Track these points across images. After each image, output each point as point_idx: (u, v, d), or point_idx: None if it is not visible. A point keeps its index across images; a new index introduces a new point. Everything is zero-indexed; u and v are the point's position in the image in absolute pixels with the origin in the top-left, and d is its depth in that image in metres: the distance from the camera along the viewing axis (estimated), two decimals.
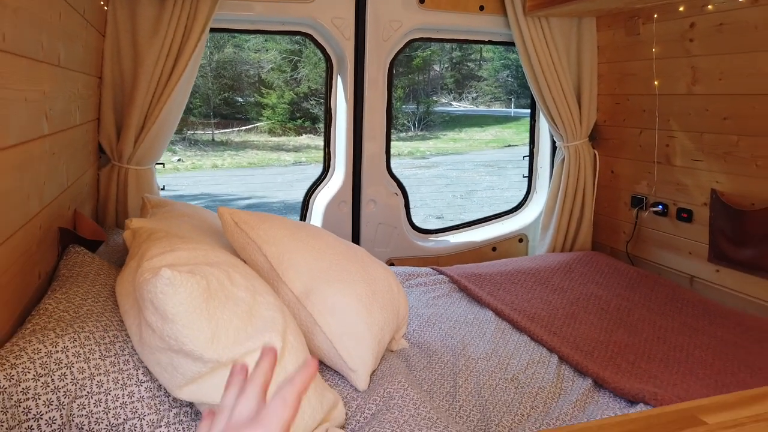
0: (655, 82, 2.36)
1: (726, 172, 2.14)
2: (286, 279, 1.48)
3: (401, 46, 2.65)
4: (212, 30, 2.25)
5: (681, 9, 2.19)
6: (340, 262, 1.60)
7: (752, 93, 2.00)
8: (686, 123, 2.28)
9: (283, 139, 13.68)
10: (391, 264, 2.77)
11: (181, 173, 11.06)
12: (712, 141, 2.18)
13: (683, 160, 2.32)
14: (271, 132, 13.96)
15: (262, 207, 8.72)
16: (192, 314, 0.94)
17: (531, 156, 3.05)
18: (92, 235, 1.56)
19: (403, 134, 15.21)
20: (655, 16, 2.31)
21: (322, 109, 2.60)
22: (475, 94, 17.13)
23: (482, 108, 16.81)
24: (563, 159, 2.74)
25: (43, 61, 1.17)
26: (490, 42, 2.81)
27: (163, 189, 2.34)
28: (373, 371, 1.51)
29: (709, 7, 2.09)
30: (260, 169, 12.11)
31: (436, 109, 16.43)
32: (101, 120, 2.07)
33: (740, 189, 2.09)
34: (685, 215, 2.33)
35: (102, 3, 1.95)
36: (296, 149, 13.19)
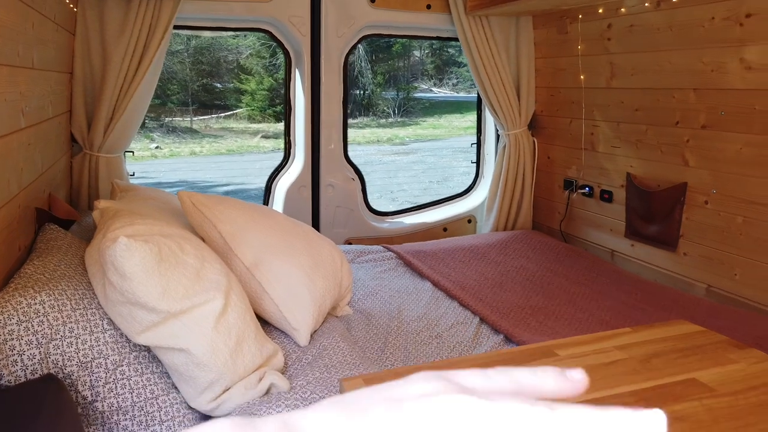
0: (581, 77, 2.61)
1: (638, 157, 2.41)
2: (238, 252, 1.71)
3: (355, 41, 2.87)
4: (176, 27, 2.44)
5: (600, 11, 2.43)
6: (288, 238, 1.84)
7: (657, 87, 2.26)
8: (606, 113, 2.54)
9: (262, 126, 13.78)
10: (349, 243, 3.00)
11: (159, 160, 11.14)
12: (627, 130, 2.44)
13: (605, 147, 2.58)
14: (250, 118, 14.04)
15: (240, 193, 8.88)
16: (146, 274, 1.17)
17: (478, 143, 3.30)
18: (65, 215, 1.78)
19: (383, 120, 15.38)
20: (580, 16, 2.56)
21: None
22: (455, 80, 17.31)
23: (462, 94, 16.98)
24: (505, 146, 2.99)
25: (19, 66, 1.38)
26: (437, 38, 3.03)
27: (132, 175, 2.55)
28: (315, 331, 1.76)
29: (622, 9, 2.34)
30: (239, 156, 12.22)
31: (416, 95, 16.57)
32: (73, 112, 2.26)
33: (649, 172, 2.36)
34: (607, 196, 2.60)
35: (71, 5, 2.13)
36: (275, 136, 13.31)
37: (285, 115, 2.91)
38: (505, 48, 2.87)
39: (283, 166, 2.94)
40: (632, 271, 2.46)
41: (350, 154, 3.00)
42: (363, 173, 3.08)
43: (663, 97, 2.24)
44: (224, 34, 13.35)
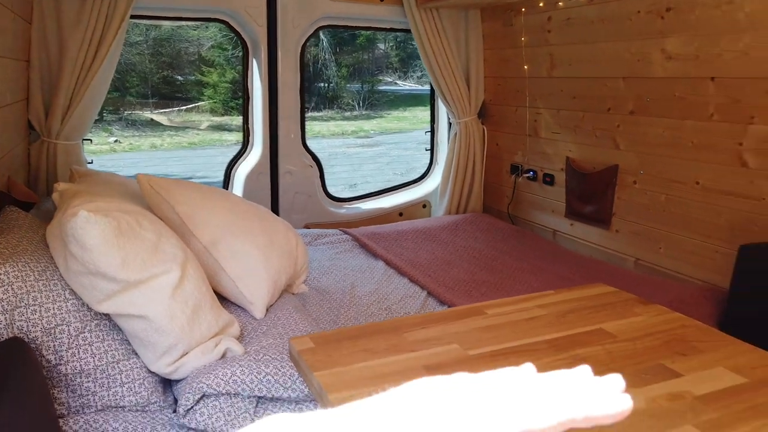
0: (525, 67, 2.77)
1: (575, 142, 2.58)
2: (196, 232, 1.80)
3: (311, 32, 2.96)
4: (133, 17, 2.49)
5: (541, 4, 2.59)
6: (244, 218, 1.94)
7: (591, 76, 2.43)
8: (548, 101, 2.71)
9: (225, 119, 13.65)
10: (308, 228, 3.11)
11: (119, 154, 10.97)
12: (566, 117, 2.61)
13: (546, 133, 2.75)
14: (212, 111, 13.90)
15: None
16: (105, 245, 1.26)
17: (432, 132, 3.44)
18: (25, 198, 1.84)
19: (347, 113, 15.41)
20: (523, 9, 2.71)
21: None
22: (420, 73, 17.44)
23: (427, 87, 17.06)
24: (456, 134, 3.13)
25: None
26: (391, 29, 3.15)
27: (90, 163, 2.59)
28: (270, 305, 1.87)
29: (560, 3, 2.50)
30: (201, 150, 12.11)
31: (381, 88, 16.64)
32: (30, 100, 2.30)
33: (585, 156, 2.54)
34: (549, 179, 2.77)
35: None
36: (239, 129, 13.18)
37: (243, 104, 2.99)
38: (455, 40, 3.01)
39: (242, 154, 3.02)
40: (571, 248, 2.64)
41: (315, 147, 3.11)
42: (325, 164, 3.18)
43: (597, 86, 2.41)
44: (184, 25, 13.16)
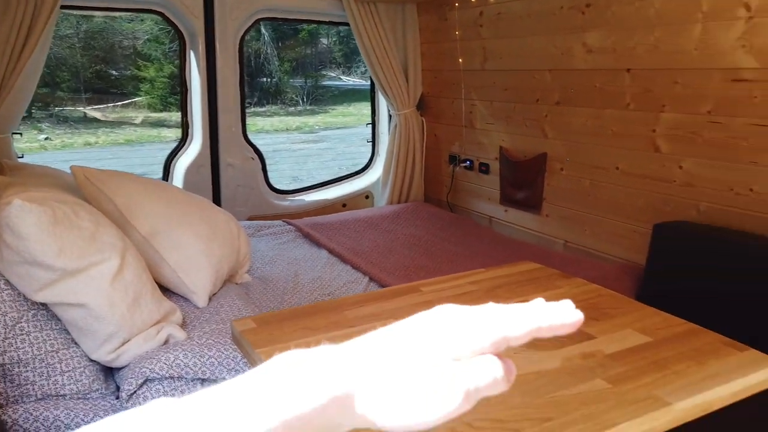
0: (460, 60, 2.88)
1: (508, 132, 2.71)
2: (135, 223, 1.80)
3: (250, 24, 2.96)
4: (64, 7, 2.43)
5: (473, 0, 2.70)
6: (184, 209, 1.94)
7: (521, 69, 2.56)
8: (482, 93, 2.83)
9: (164, 115, 13.25)
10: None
11: (50, 152, 10.48)
12: (499, 108, 2.74)
13: (481, 124, 2.87)
14: (150, 107, 13.46)
15: None
16: (41, 234, 1.26)
17: (373, 124, 3.51)
18: None
19: (291, 109, 15.26)
20: (456, 4, 2.82)
21: None
22: (363, 68, 17.45)
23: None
24: (396, 126, 3.21)
25: None
26: (330, 23, 3.20)
27: (21, 157, 2.51)
28: (213, 294, 1.89)
29: None
30: (139, 146, 11.73)
31: (324, 83, 16.56)
32: None
33: (517, 145, 2.67)
34: (484, 168, 2.89)
35: None
36: (178, 125, 12.85)
37: (181, 96, 2.96)
38: (393, 33, 3.08)
39: (181, 147, 2.99)
40: (506, 233, 2.77)
41: (259, 143, 3.12)
42: (269, 160, 3.20)
43: (526, 78, 2.54)
44: (118, 17, 12.68)
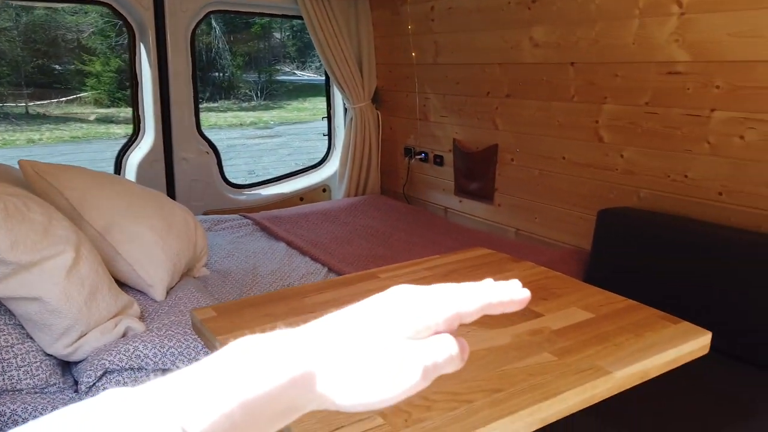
0: (413, 54, 2.93)
1: (461, 124, 2.78)
2: (88, 218, 1.77)
3: (201, 16, 2.93)
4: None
5: None
6: (138, 202, 1.92)
7: (472, 63, 2.63)
8: (435, 87, 2.89)
9: (112, 111, 12.83)
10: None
11: None
12: (452, 101, 2.81)
13: (435, 117, 2.94)
14: (97, 103, 13.01)
15: None
16: None
17: (329, 117, 3.53)
18: None
19: (245, 104, 15.01)
20: None
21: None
22: (318, 63, 17.30)
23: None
24: (352, 119, 3.25)
25: None
26: (283, 16, 3.19)
27: None
28: (171, 287, 1.88)
29: None
30: (86, 144, 11.33)
31: (279, 78, 16.37)
32: None
33: (469, 137, 2.75)
34: (439, 160, 2.96)
35: None
36: (127, 121, 12.46)
37: (131, 89, 2.91)
38: (347, 27, 3.11)
39: (133, 141, 2.94)
40: (460, 223, 2.85)
41: (212, 138, 3.09)
42: (224, 156, 3.17)
43: (477, 71, 2.62)
44: (61, 9, 12.19)
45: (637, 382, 1.12)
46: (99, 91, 12.88)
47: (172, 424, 0.30)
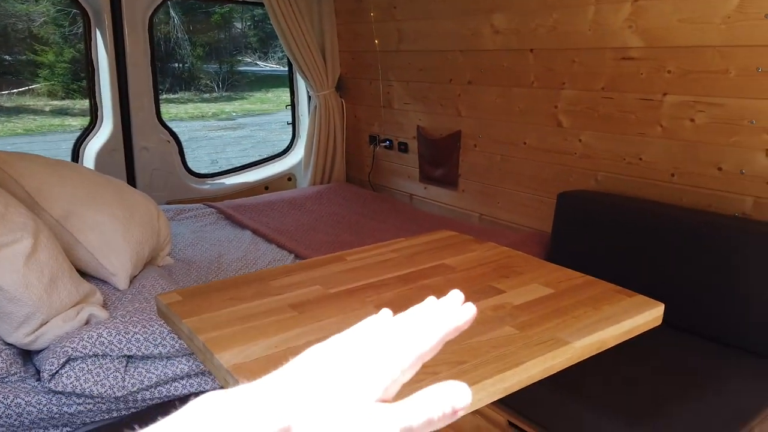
0: (376, 41, 2.94)
1: (424, 111, 2.81)
2: (45, 206, 1.73)
3: (159, 1, 2.87)
4: None
5: None
6: (98, 190, 1.89)
7: (434, 50, 2.66)
8: (398, 74, 2.91)
9: (66, 103, 12.41)
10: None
11: None
12: (415, 88, 2.83)
13: (399, 104, 2.96)
14: (51, 95, 12.57)
15: None
16: None
17: (293, 105, 3.51)
18: None
19: (206, 95, 14.72)
20: None
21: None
22: (281, 54, 17.09)
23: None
24: (316, 107, 3.24)
25: None
26: (244, 2, 3.15)
27: None
28: (134, 276, 1.85)
29: None
30: (41, 136, 10.95)
31: (240, 69, 16.09)
32: None
33: (433, 124, 2.78)
34: (403, 147, 2.99)
35: None
36: (83, 113, 12.10)
37: (87, 77, 2.83)
38: (309, 14, 3.09)
39: (91, 130, 2.87)
40: (425, 209, 2.88)
41: (174, 129, 3.04)
42: (186, 147, 3.12)
43: (439, 59, 2.64)
44: None
45: (595, 352, 1.17)
46: (53, 82, 12.44)
47: None
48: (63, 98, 12.40)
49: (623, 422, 1.33)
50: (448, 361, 1.05)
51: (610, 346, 1.20)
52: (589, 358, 1.25)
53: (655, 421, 1.34)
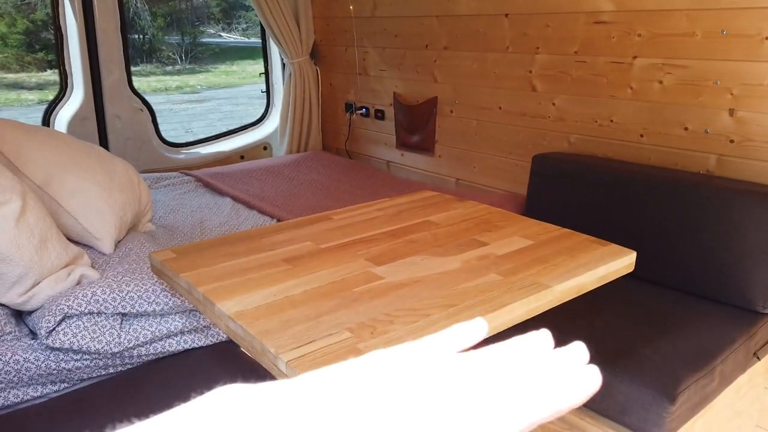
0: (351, 7, 2.94)
1: (400, 78, 2.84)
2: (26, 171, 1.72)
3: None
4: None
5: None
6: (78, 155, 1.87)
7: (410, 15, 2.68)
8: (374, 41, 2.92)
9: (22, 76, 11.93)
10: None
11: None
12: (391, 54, 2.85)
13: (375, 71, 2.97)
14: (4, 68, 12.05)
15: None
16: None
17: (267, 73, 3.48)
18: None
19: (169, 68, 14.32)
20: None
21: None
22: (245, 25, 16.68)
23: (254, 39, 16.49)
24: (291, 74, 3.22)
25: None
26: None
27: None
28: (119, 240, 1.86)
29: None
30: None
31: (203, 40, 15.66)
32: None
33: (409, 90, 2.81)
34: (380, 114, 3.01)
35: None
36: (40, 86, 11.65)
37: (56, 43, 2.76)
38: None
39: (61, 98, 2.81)
40: (403, 175, 2.93)
41: None
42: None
43: (415, 24, 2.67)
44: None
45: (574, 296, 1.25)
46: (5, 54, 11.92)
47: None
48: (18, 71, 11.92)
49: (597, 365, 1.42)
50: (439, 305, 1.11)
51: (587, 291, 1.29)
52: (566, 312, 1.34)
53: (627, 363, 1.44)
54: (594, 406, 1.40)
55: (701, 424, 1.49)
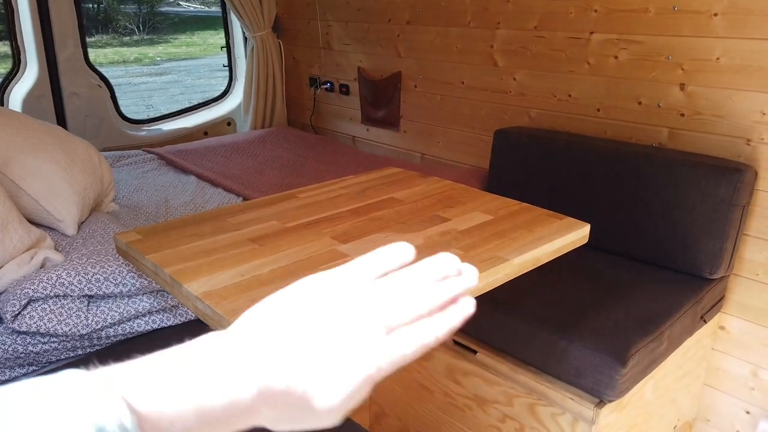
0: None
1: (364, 52, 2.83)
2: None
3: None
4: None
5: None
6: (36, 135, 1.83)
7: None
8: (337, 14, 2.89)
9: None
10: None
11: None
12: (354, 28, 2.84)
13: (338, 45, 2.96)
14: None
15: None
16: None
17: (228, 47, 3.42)
18: None
19: (126, 38, 13.82)
20: None
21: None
22: None
23: (215, 9, 16.00)
24: (253, 48, 3.18)
25: None
26: None
27: None
28: (82, 222, 1.84)
29: None
30: None
31: (161, 9, 15.14)
32: None
33: (373, 65, 2.81)
34: (345, 89, 3.01)
35: None
36: None
37: (6, 18, 2.65)
38: None
39: (14, 75, 2.71)
40: (368, 151, 2.95)
41: None
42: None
43: None
44: None
45: (531, 268, 1.31)
46: None
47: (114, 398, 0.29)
48: None
49: (553, 330, 1.50)
50: None
51: (543, 263, 1.35)
52: (525, 281, 1.40)
53: (580, 327, 1.52)
54: (550, 370, 1.48)
55: (652, 384, 1.59)
